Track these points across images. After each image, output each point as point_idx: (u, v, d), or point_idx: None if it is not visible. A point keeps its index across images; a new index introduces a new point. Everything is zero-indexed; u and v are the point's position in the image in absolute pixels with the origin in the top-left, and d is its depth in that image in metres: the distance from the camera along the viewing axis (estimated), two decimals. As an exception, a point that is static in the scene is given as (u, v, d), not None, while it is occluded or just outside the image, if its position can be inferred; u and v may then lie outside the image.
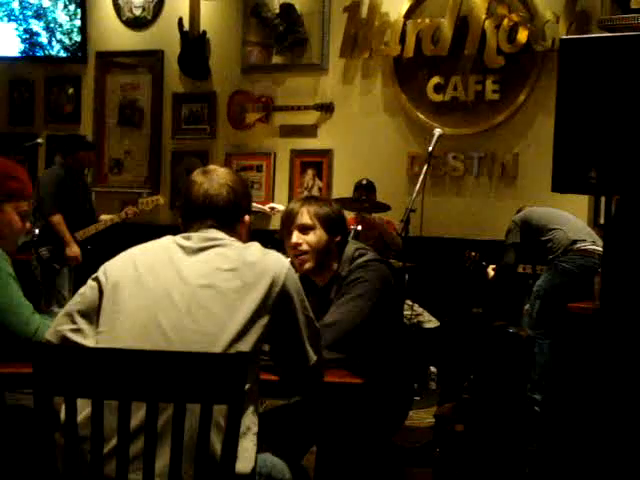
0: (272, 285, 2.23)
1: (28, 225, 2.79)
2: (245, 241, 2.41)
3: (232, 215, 2.40)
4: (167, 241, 2.34)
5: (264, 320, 2.21)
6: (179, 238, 2.33)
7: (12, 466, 2.58)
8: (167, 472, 2.00)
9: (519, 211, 6.01)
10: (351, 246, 3.16)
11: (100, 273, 2.30)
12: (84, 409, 2.06)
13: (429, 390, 6.06)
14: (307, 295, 3.17)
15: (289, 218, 3.12)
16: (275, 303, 2.23)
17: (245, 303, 2.19)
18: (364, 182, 6.48)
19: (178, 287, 2.20)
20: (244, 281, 2.21)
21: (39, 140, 7.51)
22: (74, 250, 6.47)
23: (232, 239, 2.34)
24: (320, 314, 2.99)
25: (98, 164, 8.12)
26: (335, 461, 2.90)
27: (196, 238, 2.32)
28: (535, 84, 6.69)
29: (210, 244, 2.30)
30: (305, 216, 3.09)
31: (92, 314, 2.26)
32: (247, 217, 2.46)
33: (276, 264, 2.28)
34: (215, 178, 2.40)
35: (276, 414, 3.10)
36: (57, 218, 6.43)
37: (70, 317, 2.28)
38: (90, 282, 2.31)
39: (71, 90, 8.38)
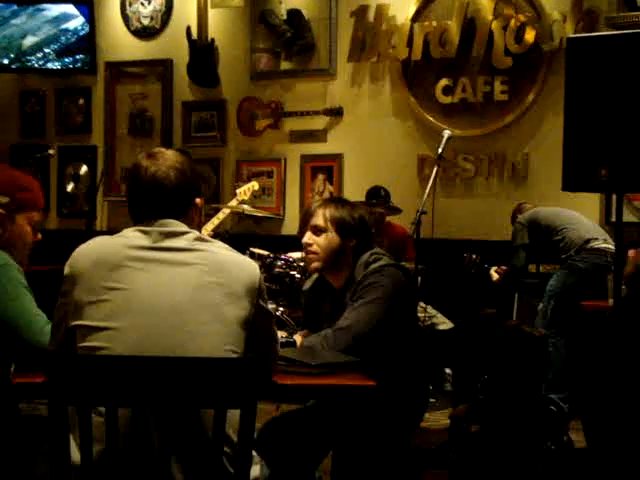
0: (255, 290, 2.23)
1: (39, 236, 2.80)
2: (197, 225, 2.34)
3: (183, 198, 2.30)
4: (127, 237, 2.23)
5: (248, 323, 2.21)
6: (139, 235, 2.22)
7: (28, 476, 2.59)
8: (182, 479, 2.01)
9: (518, 210, 5.99)
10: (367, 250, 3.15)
11: (66, 269, 2.22)
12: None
13: (444, 392, 6.04)
14: (323, 298, 3.19)
15: (305, 217, 3.15)
16: (256, 304, 2.23)
17: (233, 310, 2.18)
18: (382, 193, 6.48)
19: (164, 297, 2.14)
20: (228, 286, 2.18)
21: (50, 151, 7.52)
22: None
23: (192, 231, 2.25)
24: (335, 317, 3.00)
25: (110, 174, 8.16)
26: (351, 464, 2.91)
27: (155, 235, 2.22)
28: (544, 84, 6.69)
29: (172, 246, 2.20)
30: (319, 217, 3.10)
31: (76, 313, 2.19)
32: (199, 200, 2.36)
33: (251, 266, 2.27)
34: (162, 161, 2.28)
35: (291, 418, 3.10)
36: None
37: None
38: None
39: (81, 101, 8.41)
